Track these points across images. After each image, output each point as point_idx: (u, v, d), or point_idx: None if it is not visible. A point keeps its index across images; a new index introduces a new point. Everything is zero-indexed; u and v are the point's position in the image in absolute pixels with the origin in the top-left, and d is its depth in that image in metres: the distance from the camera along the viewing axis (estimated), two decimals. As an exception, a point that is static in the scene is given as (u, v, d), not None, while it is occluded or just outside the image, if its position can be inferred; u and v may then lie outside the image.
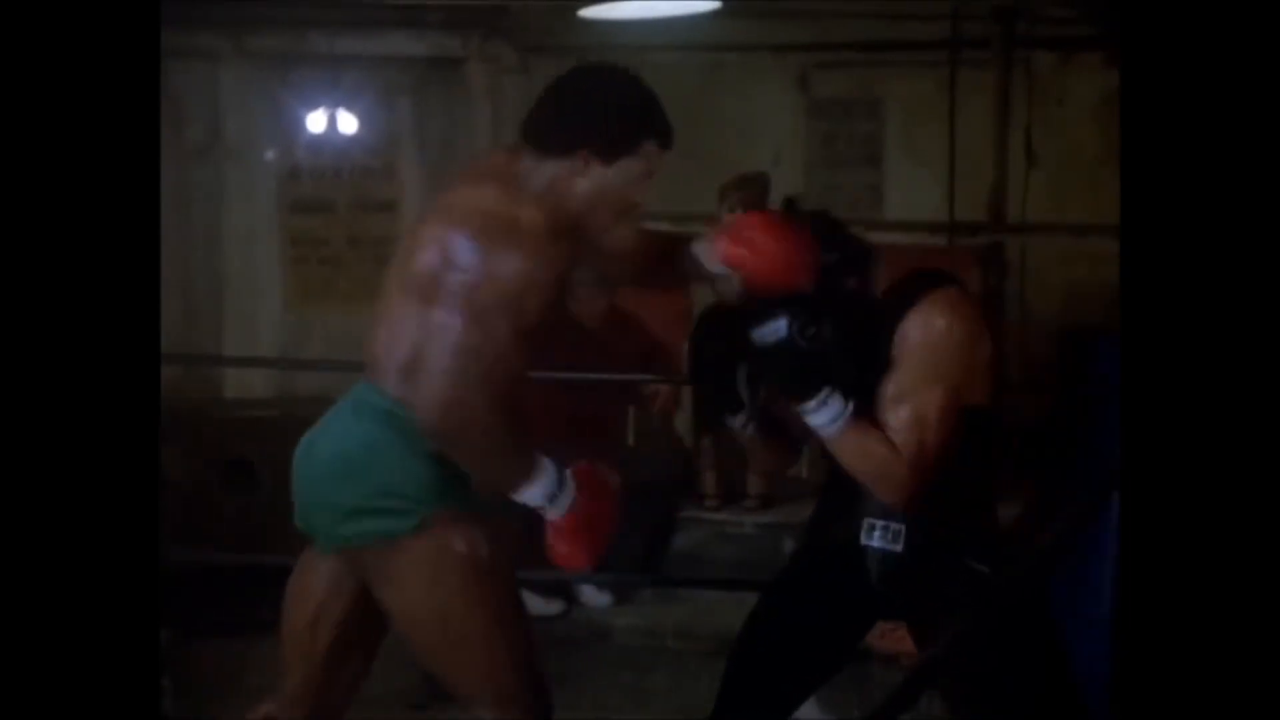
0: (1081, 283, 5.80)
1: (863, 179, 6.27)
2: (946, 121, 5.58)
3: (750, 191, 5.38)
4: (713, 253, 2.56)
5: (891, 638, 3.51)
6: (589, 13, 4.57)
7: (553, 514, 2.46)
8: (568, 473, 2.47)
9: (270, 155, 5.90)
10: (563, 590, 4.91)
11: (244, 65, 5.80)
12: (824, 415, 2.45)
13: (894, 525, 2.54)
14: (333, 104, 5.79)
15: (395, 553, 2.43)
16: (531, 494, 2.43)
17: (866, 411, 2.48)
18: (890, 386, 2.48)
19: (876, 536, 2.56)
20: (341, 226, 5.99)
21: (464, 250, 2.38)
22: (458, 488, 2.46)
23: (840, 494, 2.61)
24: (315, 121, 5.81)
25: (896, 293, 2.54)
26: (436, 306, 2.39)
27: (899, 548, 2.54)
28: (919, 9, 5.34)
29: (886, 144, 6.23)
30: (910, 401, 2.46)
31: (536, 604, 4.86)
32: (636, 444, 5.47)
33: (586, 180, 2.47)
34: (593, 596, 4.97)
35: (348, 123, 5.82)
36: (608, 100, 2.50)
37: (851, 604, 2.62)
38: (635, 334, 5.15)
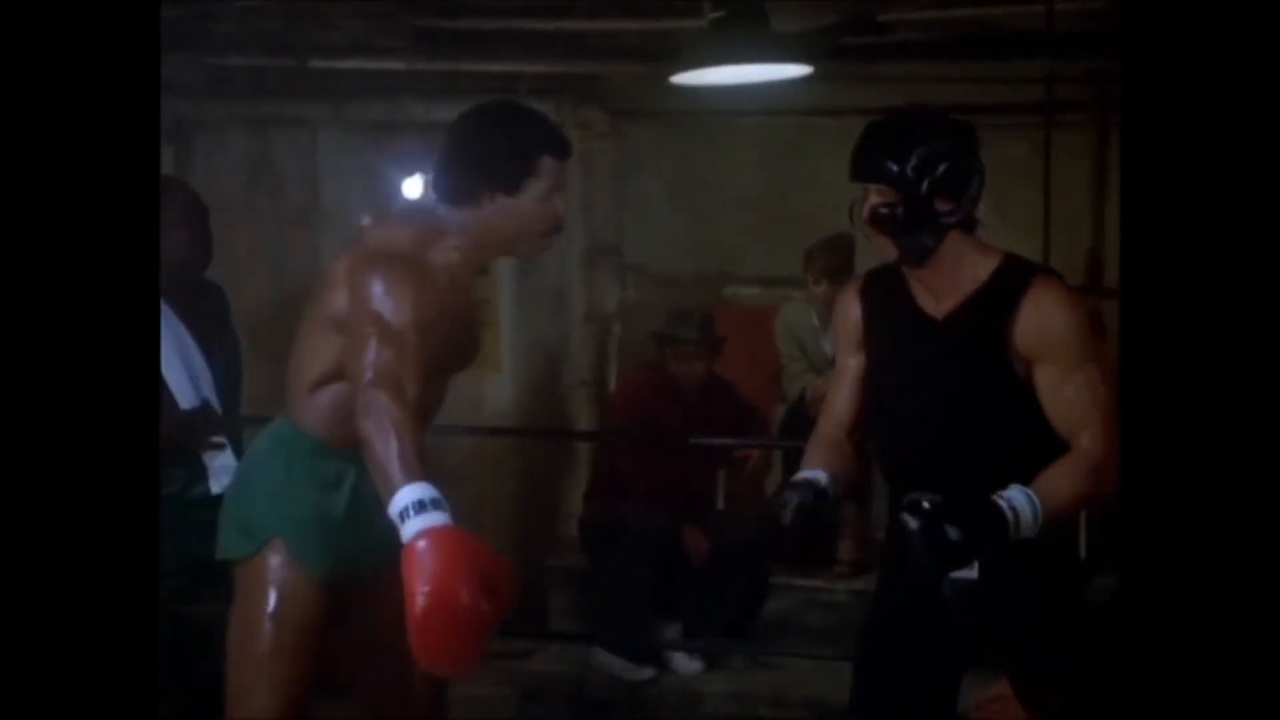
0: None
1: (955, 242, 6.22)
2: (1041, 185, 5.52)
3: (836, 257, 5.36)
4: None
5: (990, 709, 3.45)
6: (681, 79, 4.60)
7: (403, 534, 2.27)
8: (434, 511, 2.25)
9: (367, 220, 5.98)
10: (653, 656, 4.88)
11: (342, 132, 5.90)
12: (1026, 527, 2.43)
13: None
14: (428, 170, 5.86)
15: (237, 572, 2.64)
16: (392, 507, 2.29)
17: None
18: (1051, 378, 2.50)
19: None
20: (436, 290, 6.05)
21: (378, 286, 2.47)
22: (296, 527, 2.59)
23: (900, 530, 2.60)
24: (411, 187, 5.89)
25: (994, 283, 2.58)
26: (344, 338, 2.50)
27: (973, 574, 2.52)
28: (1012, 72, 5.31)
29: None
30: (1080, 385, 2.48)
31: (626, 669, 4.83)
32: (726, 507, 5.44)
33: (500, 216, 2.58)
34: (683, 663, 4.93)
35: (442, 188, 5.88)
36: (490, 139, 2.60)
37: (940, 638, 2.61)
38: (731, 398, 5.14)
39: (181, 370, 3.55)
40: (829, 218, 6.07)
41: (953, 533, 2.38)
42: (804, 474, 2.73)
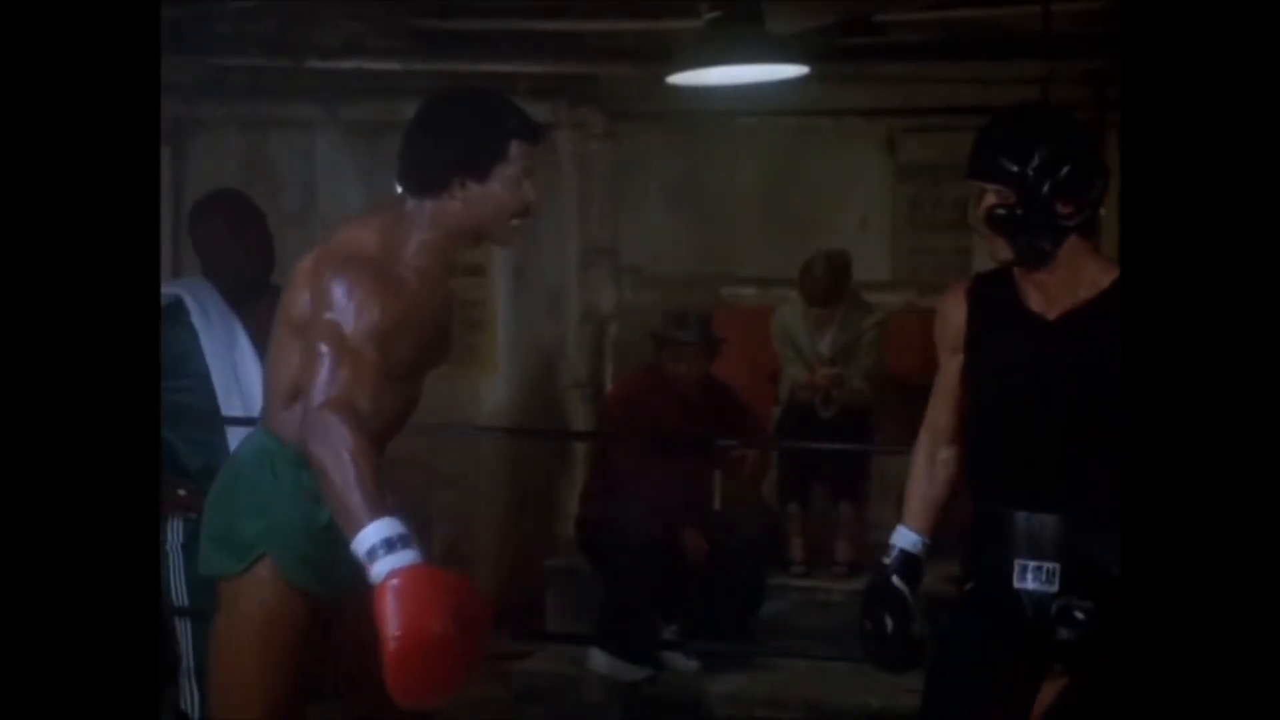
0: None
1: (951, 243, 6.23)
2: (1037, 185, 5.53)
3: (826, 278, 5.36)
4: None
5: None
6: (677, 79, 4.60)
7: (372, 574, 2.21)
8: (404, 550, 2.20)
9: (362, 221, 5.98)
10: (651, 656, 4.88)
11: (338, 133, 5.90)
12: None
13: (1048, 565, 2.49)
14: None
15: (222, 587, 2.57)
16: (357, 544, 2.23)
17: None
18: None
19: (1030, 579, 2.51)
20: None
21: (339, 292, 2.41)
22: (285, 544, 2.53)
23: (984, 540, 2.58)
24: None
25: (1119, 290, 2.48)
26: (313, 344, 2.42)
27: (1055, 588, 2.49)
28: (1011, 72, 5.31)
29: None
30: None
31: (624, 670, 4.83)
32: (723, 508, 5.44)
33: (470, 204, 2.52)
34: (681, 663, 4.93)
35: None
36: (456, 126, 2.54)
37: (1014, 651, 2.55)
38: (728, 399, 5.14)
39: (230, 373, 3.53)
40: (824, 217, 6.11)
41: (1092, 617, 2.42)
42: (902, 541, 2.69)
